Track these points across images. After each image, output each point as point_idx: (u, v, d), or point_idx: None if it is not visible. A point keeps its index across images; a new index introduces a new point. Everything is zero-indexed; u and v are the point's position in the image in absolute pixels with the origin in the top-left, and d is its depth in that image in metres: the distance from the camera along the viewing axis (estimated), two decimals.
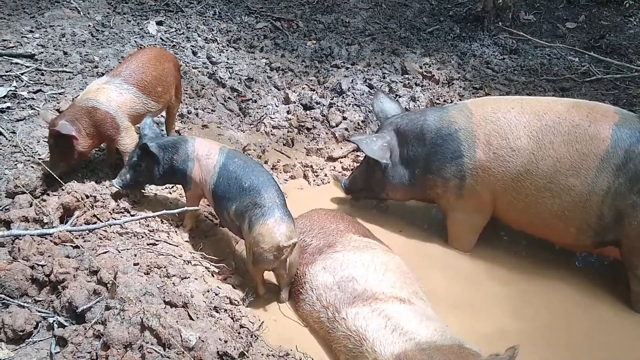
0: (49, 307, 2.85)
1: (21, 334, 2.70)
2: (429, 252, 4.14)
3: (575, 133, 3.62)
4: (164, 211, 3.54)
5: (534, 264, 4.03)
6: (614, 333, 3.51)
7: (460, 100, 5.51)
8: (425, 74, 6.07)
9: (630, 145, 3.51)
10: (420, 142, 4.06)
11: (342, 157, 5.07)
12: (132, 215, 3.53)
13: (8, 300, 2.83)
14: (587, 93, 5.82)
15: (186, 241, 3.68)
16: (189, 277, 3.11)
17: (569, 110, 3.71)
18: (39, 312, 2.82)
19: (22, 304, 2.84)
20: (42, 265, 2.94)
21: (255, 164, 3.57)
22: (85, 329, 2.67)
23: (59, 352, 2.63)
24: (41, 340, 2.73)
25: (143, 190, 3.94)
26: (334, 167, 4.93)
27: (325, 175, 4.83)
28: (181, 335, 2.57)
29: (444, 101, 5.65)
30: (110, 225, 3.33)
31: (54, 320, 2.77)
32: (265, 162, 4.79)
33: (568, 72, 6.27)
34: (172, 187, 4.16)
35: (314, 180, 4.77)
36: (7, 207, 3.37)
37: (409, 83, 5.90)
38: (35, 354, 2.66)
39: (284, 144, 5.15)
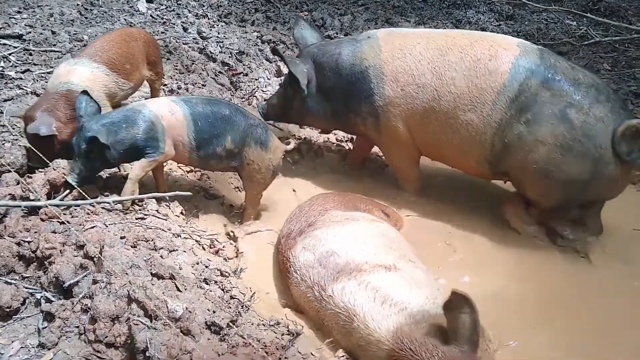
0: (36, 283, 2.83)
1: (8, 310, 2.67)
2: (426, 220, 4.10)
3: (476, 68, 3.65)
4: (155, 194, 3.48)
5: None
6: (605, 295, 3.48)
7: None
8: None
9: (525, 78, 3.56)
10: (336, 76, 4.07)
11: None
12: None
13: None
14: (585, 56, 5.74)
15: (177, 215, 3.63)
16: (177, 250, 3.07)
17: (473, 44, 3.73)
18: (26, 288, 2.80)
19: (9, 280, 2.82)
20: (29, 242, 2.91)
21: (208, 96, 3.69)
22: (73, 303, 2.65)
23: (46, 327, 2.60)
24: (29, 317, 2.71)
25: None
26: (328, 139, 4.87)
27: (319, 147, 4.77)
28: (167, 307, 2.53)
29: None
30: (100, 203, 3.29)
31: (42, 296, 2.75)
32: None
33: (566, 36, 6.19)
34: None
35: (308, 153, 4.71)
36: None
37: None
38: (23, 330, 2.65)
39: None
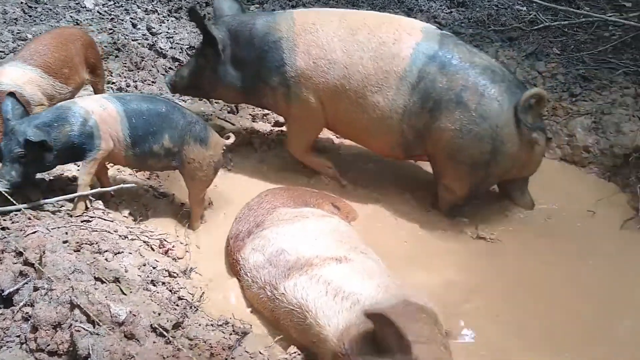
0: None
1: None
2: (382, 215, 4.09)
3: (381, 50, 3.73)
4: (97, 189, 3.40)
5: (484, 222, 4.03)
6: (557, 287, 3.51)
7: None
8: None
9: (423, 64, 3.66)
10: (249, 45, 4.03)
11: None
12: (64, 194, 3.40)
13: None
14: (535, 41, 5.78)
15: (125, 216, 3.56)
16: (123, 252, 3.00)
17: (380, 26, 3.81)
18: None
19: None
20: None
21: (144, 94, 3.63)
22: (13, 312, 2.57)
23: None
24: None
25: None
26: (282, 132, 4.82)
27: (273, 140, 4.72)
28: (110, 311, 2.48)
29: None
30: (41, 205, 3.21)
31: None
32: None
33: (516, 21, 6.23)
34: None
35: (261, 147, 4.66)
36: None
37: None
38: None
39: (228, 112, 5.02)
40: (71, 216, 3.23)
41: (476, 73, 3.66)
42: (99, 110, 3.29)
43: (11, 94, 3.22)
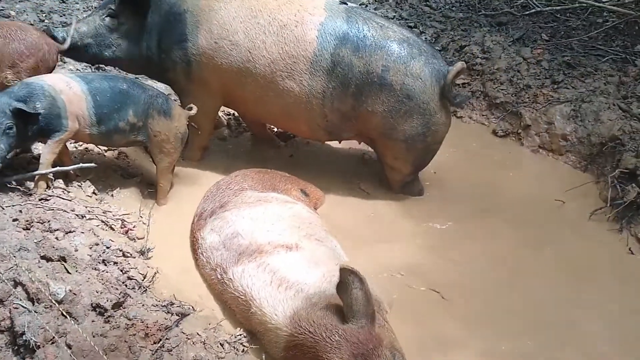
0: None
1: None
2: (350, 199, 4.09)
3: (284, 34, 3.62)
4: (57, 168, 3.39)
5: (452, 205, 4.04)
6: (513, 273, 3.51)
7: None
8: None
9: (335, 47, 3.55)
10: (157, 12, 3.85)
11: None
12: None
13: None
14: (524, 27, 5.70)
15: (88, 195, 3.57)
16: (75, 231, 3.01)
17: (280, 8, 3.67)
18: None
19: None
20: None
21: (103, 73, 3.70)
22: None
23: None
24: None
25: None
26: None
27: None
28: (49, 289, 2.49)
29: None
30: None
31: None
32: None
33: (507, 6, 6.12)
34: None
35: (237, 129, 4.65)
36: None
37: None
38: None
39: None
40: (30, 195, 3.24)
41: (392, 51, 3.61)
42: (66, 90, 3.29)
43: None
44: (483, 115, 4.96)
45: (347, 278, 2.50)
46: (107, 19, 3.89)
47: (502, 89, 4.96)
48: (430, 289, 3.29)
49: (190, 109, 3.64)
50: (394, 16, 5.87)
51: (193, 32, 3.75)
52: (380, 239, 3.67)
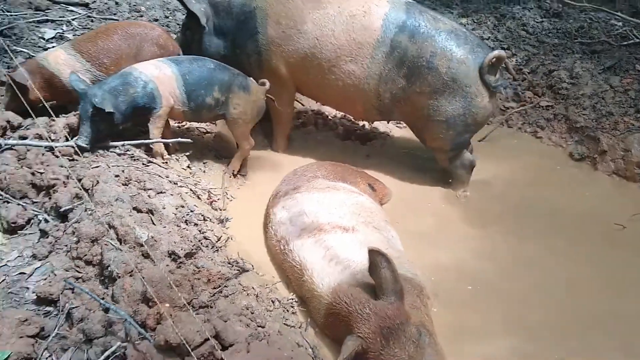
0: (42, 207, 3.32)
1: (14, 225, 3.18)
2: (415, 198, 4.36)
3: (352, 23, 4.05)
4: (158, 139, 3.92)
5: (512, 216, 4.20)
6: (566, 278, 3.62)
7: None
8: None
9: (395, 34, 3.94)
10: (229, 15, 4.38)
11: None
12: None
13: (10, 200, 3.33)
14: (618, 56, 5.69)
15: (183, 168, 4.06)
16: (164, 192, 3.49)
17: (348, 0, 4.05)
18: (33, 210, 3.29)
19: (20, 203, 3.32)
20: (41, 173, 3.41)
21: (192, 55, 4.13)
22: (65, 226, 3.11)
23: (40, 242, 3.10)
24: (31, 233, 3.20)
25: None
26: (345, 115, 5.17)
27: (335, 123, 5.08)
28: (135, 233, 2.96)
29: None
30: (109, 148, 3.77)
31: (42, 218, 3.23)
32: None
33: (605, 35, 6.12)
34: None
35: (323, 127, 5.03)
36: (28, 127, 3.87)
37: None
38: (23, 243, 3.14)
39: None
40: (134, 159, 3.77)
41: (442, 39, 4.03)
42: (156, 73, 3.83)
43: (72, 73, 3.76)
44: (562, 138, 5.05)
45: (376, 259, 2.78)
46: (187, 32, 4.58)
47: (584, 114, 5.02)
48: (474, 287, 3.49)
49: (264, 84, 4.13)
50: (489, 37, 6.06)
51: (262, 24, 4.26)
52: (436, 238, 3.91)
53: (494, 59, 4.02)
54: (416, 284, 3.15)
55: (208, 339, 2.30)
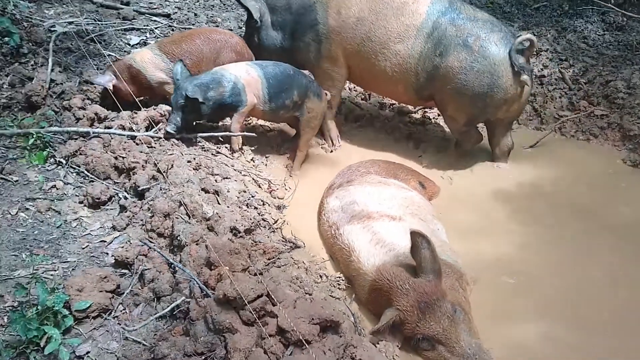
0: (122, 186, 3.76)
1: (98, 201, 3.62)
2: (464, 194, 4.59)
3: (403, 8, 4.52)
4: (226, 132, 4.33)
5: (558, 215, 4.33)
6: (611, 278, 3.71)
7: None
8: None
9: (437, 18, 4.34)
10: (287, 11, 4.84)
11: (411, 112, 5.55)
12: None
13: (95, 179, 3.78)
14: None
15: (247, 161, 4.43)
16: (229, 178, 3.87)
17: None
18: (114, 189, 3.73)
19: (104, 183, 3.77)
20: (123, 157, 3.85)
21: (274, 61, 4.50)
22: (142, 203, 3.53)
23: (119, 216, 3.52)
24: (111, 209, 3.65)
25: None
26: (402, 118, 5.44)
27: (391, 126, 5.37)
28: (202, 209, 3.33)
29: None
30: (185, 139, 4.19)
31: (122, 195, 3.66)
32: (338, 112, 5.41)
33: None
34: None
35: (380, 130, 5.33)
36: (112, 119, 4.34)
37: None
38: (104, 217, 3.58)
39: (362, 99, 5.75)
40: (204, 149, 4.18)
41: (479, 25, 4.46)
42: (245, 76, 4.24)
43: (180, 60, 4.26)
44: (615, 146, 5.12)
45: (417, 240, 3.05)
46: (248, 29, 5.11)
47: (638, 123, 5.10)
48: (513, 277, 3.67)
49: (324, 93, 4.54)
50: (548, 49, 6.19)
51: (323, 16, 4.72)
52: (480, 232, 4.10)
53: (525, 40, 4.38)
54: (456, 269, 3.39)
55: (261, 295, 2.61)
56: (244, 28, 6.28)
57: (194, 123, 4.33)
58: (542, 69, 5.94)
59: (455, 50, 4.43)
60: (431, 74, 4.53)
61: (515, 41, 4.38)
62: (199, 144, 4.23)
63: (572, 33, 6.53)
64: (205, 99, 4.09)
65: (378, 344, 2.91)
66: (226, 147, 4.30)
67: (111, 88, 4.38)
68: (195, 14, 6.55)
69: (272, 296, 2.65)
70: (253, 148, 4.59)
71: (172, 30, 6.16)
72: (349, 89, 5.85)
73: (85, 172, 3.82)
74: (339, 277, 3.46)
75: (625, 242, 4.01)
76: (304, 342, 2.47)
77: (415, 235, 3.06)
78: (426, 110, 5.63)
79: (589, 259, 3.87)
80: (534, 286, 3.62)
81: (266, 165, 4.57)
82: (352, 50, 4.69)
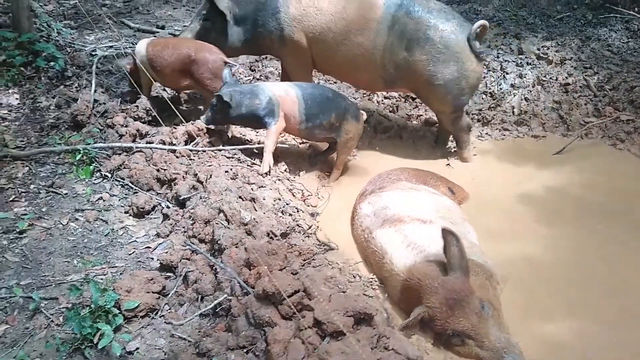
0: (165, 196, 3.98)
1: (142, 210, 3.84)
2: (492, 199, 4.70)
3: (361, 1, 4.77)
4: (259, 144, 4.56)
5: (583, 216, 4.44)
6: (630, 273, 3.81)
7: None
8: (541, 55, 6.42)
9: (395, 11, 4.56)
10: (248, 2, 4.98)
11: (436, 123, 5.69)
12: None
13: (139, 191, 4.02)
14: None
15: (281, 172, 4.62)
16: (265, 187, 4.07)
17: None
18: (157, 199, 3.95)
19: (147, 194, 4.00)
20: (164, 170, 4.08)
21: (315, 84, 4.70)
22: (184, 211, 3.74)
23: (163, 224, 3.73)
24: (155, 217, 3.87)
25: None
26: (429, 129, 5.60)
27: (418, 137, 5.53)
28: (240, 215, 3.52)
29: (550, 79, 6.01)
30: (219, 150, 4.41)
31: (165, 205, 3.88)
32: (367, 123, 5.54)
33: None
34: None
35: (407, 140, 5.49)
36: (154, 134, 4.58)
37: (521, 62, 6.33)
38: (149, 225, 3.80)
39: (390, 111, 5.92)
40: (240, 160, 4.39)
41: (434, 15, 4.74)
42: (282, 95, 4.45)
43: (228, 66, 4.64)
44: None
45: (447, 237, 3.19)
46: (206, 22, 5.17)
47: None
48: (542, 277, 3.78)
49: (363, 114, 4.65)
50: (572, 57, 6.29)
51: (284, 3, 4.96)
52: (509, 234, 4.21)
53: (480, 27, 4.72)
54: (486, 269, 3.51)
55: (298, 291, 2.79)
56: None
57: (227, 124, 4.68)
58: (566, 77, 6.04)
59: (418, 44, 4.73)
60: (401, 67, 4.83)
61: (471, 29, 4.71)
62: (235, 156, 4.44)
63: (596, 42, 6.63)
64: (237, 105, 4.33)
65: (410, 337, 3.05)
66: (260, 160, 4.49)
67: (128, 70, 4.93)
68: None
69: (309, 291, 2.82)
70: (287, 160, 4.79)
71: None
72: (377, 101, 6.03)
73: (130, 184, 4.07)
74: (372, 278, 3.60)
75: None
76: (339, 333, 2.63)
77: (445, 233, 3.20)
78: None
79: (617, 260, 3.94)
80: (563, 285, 3.72)
81: (299, 175, 4.75)
82: (314, 38, 4.95)
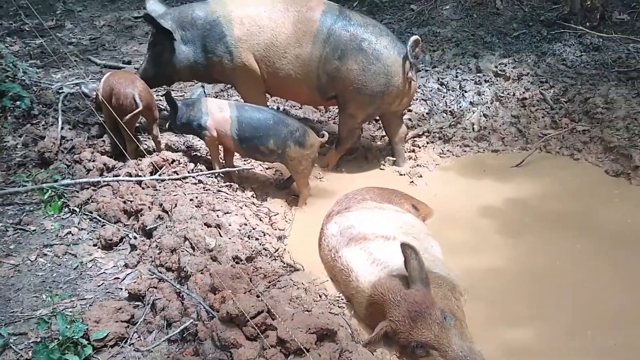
0: (131, 227, 4.04)
1: (110, 242, 3.90)
2: (455, 214, 4.83)
3: (298, 16, 5.02)
4: (225, 169, 4.68)
5: (545, 223, 4.58)
6: (598, 283, 3.90)
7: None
8: (499, 72, 6.61)
9: (330, 25, 4.81)
10: (194, 27, 5.21)
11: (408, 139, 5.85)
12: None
13: (107, 223, 4.07)
14: None
15: (247, 197, 4.71)
16: (230, 213, 4.14)
17: (293, 0, 5.12)
18: (124, 231, 4.01)
19: (115, 226, 4.06)
20: (131, 201, 4.14)
21: (258, 106, 4.80)
22: (151, 241, 3.81)
23: (130, 255, 3.79)
24: (123, 249, 3.93)
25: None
26: (390, 151, 5.75)
27: (382, 156, 5.67)
28: (205, 241, 3.59)
29: (508, 94, 6.21)
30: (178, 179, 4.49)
31: (132, 236, 3.94)
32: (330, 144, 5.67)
33: None
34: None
35: (372, 160, 5.65)
36: (120, 167, 4.65)
37: (479, 80, 6.51)
38: (117, 256, 3.85)
39: None
40: (205, 188, 4.47)
41: (368, 30, 5.03)
42: (216, 112, 4.65)
43: (202, 86, 5.08)
44: (598, 159, 5.35)
45: (406, 251, 3.30)
46: (156, 48, 5.30)
47: (617, 134, 5.33)
48: (505, 286, 3.89)
49: (323, 135, 4.71)
50: (529, 73, 6.48)
51: (228, 28, 5.10)
52: (472, 246, 4.34)
53: (415, 41, 5.04)
54: (449, 281, 3.63)
55: (262, 312, 2.86)
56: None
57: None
58: (523, 92, 6.22)
59: (352, 55, 4.96)
60: (332, 76, 5.05)
61: (408, 44, 4.98)
62: (200, 182, 4.52)
63: (551, 57, 6.82)
64: (181, 114, 4.67)
65: (374, 352, 3.12)
66: (227, 186, 4.58)
67: (93, 95, 5.06)
68: None
69: (272, 311, 2.89)
70: (254, 186, 4.89)
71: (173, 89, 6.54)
72: None
73: (98, 217, 4.13)
74: (339, 297, 3.69)
75: (611, 247, 4.21)
76: (302, 349, 2.70)
77: (404, 247, 3.31)
78: (415, 139, 5.94)
79: (577, 267, 4.07)
80: (525, 293, 3.84)
81: (266, 200, 4.84)
82: (260, 55, 5.10)
